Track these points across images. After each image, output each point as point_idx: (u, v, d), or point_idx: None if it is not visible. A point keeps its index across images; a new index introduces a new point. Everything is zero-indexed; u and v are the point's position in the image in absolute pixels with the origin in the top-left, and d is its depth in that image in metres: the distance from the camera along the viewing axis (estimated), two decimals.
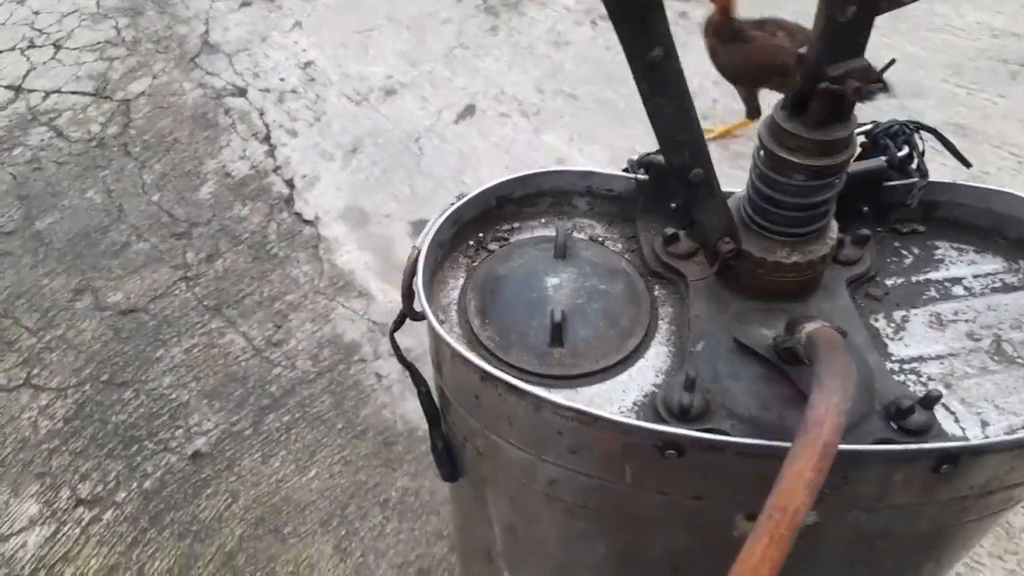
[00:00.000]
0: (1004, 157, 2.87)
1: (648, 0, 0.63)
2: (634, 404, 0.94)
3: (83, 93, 3.54)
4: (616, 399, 0.95)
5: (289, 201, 2.97)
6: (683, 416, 0.88)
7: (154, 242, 2.80)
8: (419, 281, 0.99)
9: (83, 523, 2.06)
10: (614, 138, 3.10)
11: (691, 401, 0.87)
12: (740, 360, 0.92)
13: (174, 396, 2.34)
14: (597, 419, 0.84)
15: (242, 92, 3.51)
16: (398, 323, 1.13)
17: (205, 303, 2.60)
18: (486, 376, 0.90)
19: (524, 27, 3.79)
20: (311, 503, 2.08)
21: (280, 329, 2.51)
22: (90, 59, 3.74)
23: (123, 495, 2.12)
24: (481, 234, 1.15)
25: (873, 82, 0.79)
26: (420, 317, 1.02)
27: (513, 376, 0.98)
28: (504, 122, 3.26)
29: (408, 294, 1.04)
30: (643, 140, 3.05)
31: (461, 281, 1.10)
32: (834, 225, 0.96)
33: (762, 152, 0.90)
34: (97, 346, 2.49)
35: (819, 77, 0.79)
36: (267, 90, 3.52)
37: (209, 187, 3.02)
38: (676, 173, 0.82)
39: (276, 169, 3.12)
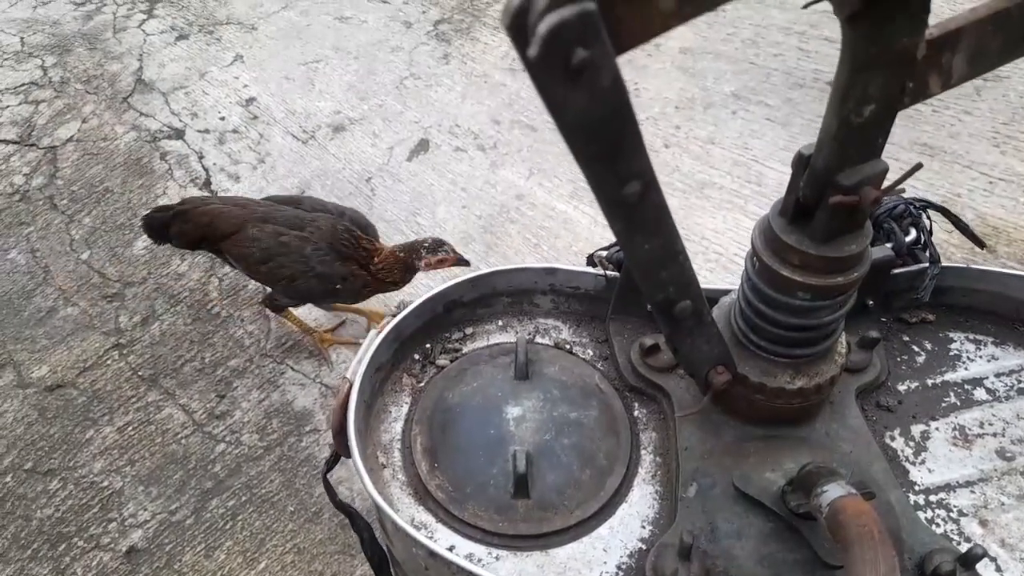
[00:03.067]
0: (974, 177, 2.79)
1: (623, 131, 0.46)
2: (618, 569, 0.78)
3: (5, 141, 3.28)
4: (596, 562, 0.79)
5: None
6: None
7: (83, 306, 2.57)
8: (351, 424, 0.82)
9: None
10: (577, 171, 2.95)
11: (688, 574, 0.71)
12: (743, 512, 0.76)
13: (106, 484, 2.12)
14: None
15: (179, 134, 3.30)
16: (331, 463, 0.96)
17: (140, 373, 2.38)
18: (434, 553, 0.73)
19: (477, 54, 3.63)
20: None
21: (223, 399, 2.30)
22: (13, 103, 3.49)
23: None
24: (428, 345, 0.98)
25: (892, 191, 0.65)
26: None
27: (470, 536, 0.81)
28: (460, 157, 3.09)
29: (341, 432, 0.87)
30: None
31: (405, 408, 0.93)
32: (842, 337, 0.81)
33: (756, 263, 0.75)
34: (20, 429, 2.26)
35: (829, 185, 0.64)
36: (206, 131, 3.31)
37: (144, 241, 2.80)
38: (658, 307, 0.66)
39: None
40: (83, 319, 2.55)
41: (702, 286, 0.68)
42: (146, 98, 3.49)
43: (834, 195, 0.64)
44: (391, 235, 2.77)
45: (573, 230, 2.69)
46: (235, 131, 3.29)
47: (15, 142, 3.28)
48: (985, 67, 0.64)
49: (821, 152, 0.64)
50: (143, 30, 3.90)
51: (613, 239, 1.03)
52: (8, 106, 3.47)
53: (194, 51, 3.76)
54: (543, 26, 0.40)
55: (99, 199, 3.00)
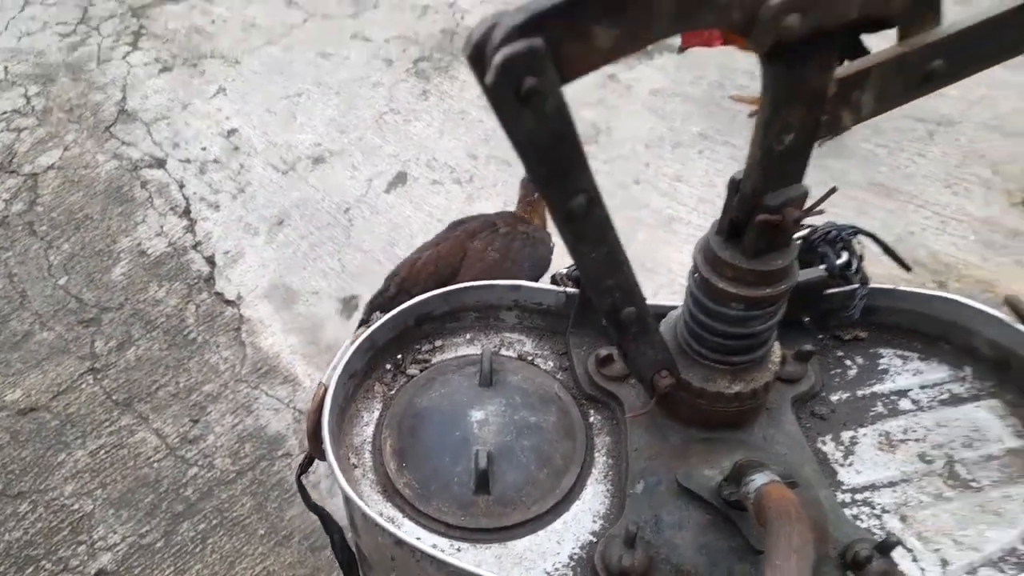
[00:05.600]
0: (927, 216, 2.93)
1: (568, 151, 0.54)
2: (570, 559, 0.84)
3: None
4: (550, 553, 0.85)
5: (209, 280, 2.81)
6: None
7: (59, 331, 2.59)
8: (325, 426, 0.88)
9: None
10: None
11: (632, 560, 0.78)
12: (684, 505, 0.83)
13: (76, 506, 2.12)
14: None
15: (160, 163, 3.36)
16: (304, 466, 1.01)
17: (114, 397, 2.40)
18: (400, 542, 0.79)
19: (455, 91, 3.75)
20: None
21: (197, 424, 2.32)
22: None
23: None
24: (400, 356, 1.05)
25: (812, 211, 0.73)
26: None
27: (434, 529, 0.87)
28: (437, 190, 3.18)
29: (315, 435, 0.92)
30: None
31: (376, 414, 0.99)
32: (776, 347, 0.89)
33: (697, 277, 0.83)
34: None
35: (756, 206, 0.73)
36: (187, 160, 3.37)
37: (122, 267, 2.84)
38: (606, 314, 0.74)
39: (196, 245, 2.96)
40: (59, 343, 2.57)
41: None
42: (128, 128, 3.55)
43: (760, 215, 0.72)
44: (368, 264, 2.83)
45: None
46: (216, 161, 3.36)
47: None
48: (891, 104, 0.73)
49: (749, 177, 0.72)
50: (127, 61, 3.97)
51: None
52: None
53: (177, 83, 3.84)
54: (497, 57, 0.48)
55: (78, 226, 3.03)
